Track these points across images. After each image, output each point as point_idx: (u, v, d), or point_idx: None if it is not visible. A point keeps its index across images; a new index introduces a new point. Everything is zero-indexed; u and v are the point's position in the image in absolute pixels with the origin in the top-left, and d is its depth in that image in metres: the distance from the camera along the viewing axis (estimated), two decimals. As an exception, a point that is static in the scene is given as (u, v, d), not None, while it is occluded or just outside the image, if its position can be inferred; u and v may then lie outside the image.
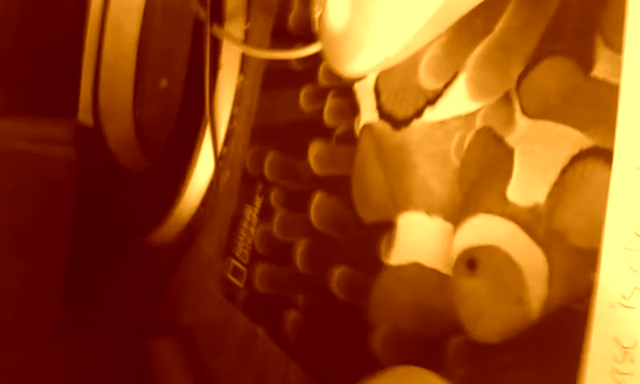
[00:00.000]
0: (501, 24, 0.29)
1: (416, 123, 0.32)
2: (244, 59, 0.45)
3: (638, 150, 0.23)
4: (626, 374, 0.23)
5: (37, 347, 0.49)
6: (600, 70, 0.25)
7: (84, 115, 0.61)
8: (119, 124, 0.60)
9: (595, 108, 0.25)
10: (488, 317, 0.29)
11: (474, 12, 0.30)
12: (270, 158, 0.42)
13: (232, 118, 0.47)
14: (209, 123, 0.46)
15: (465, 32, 0.30)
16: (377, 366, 0.34)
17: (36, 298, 0.57)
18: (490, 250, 0.28)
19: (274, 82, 0.43)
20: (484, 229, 0.29)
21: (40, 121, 0.61)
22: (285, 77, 0.42)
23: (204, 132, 0.47)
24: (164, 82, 0.56)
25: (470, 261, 0.29)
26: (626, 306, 0.23)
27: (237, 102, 0.47)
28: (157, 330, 0.52)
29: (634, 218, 0.23)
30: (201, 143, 0.48)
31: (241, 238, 0.44)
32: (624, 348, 0.23)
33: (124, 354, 0.53)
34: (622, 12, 0.24)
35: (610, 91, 0.25)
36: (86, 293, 0.61)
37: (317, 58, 0.38)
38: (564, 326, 0.26)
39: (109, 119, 0.61)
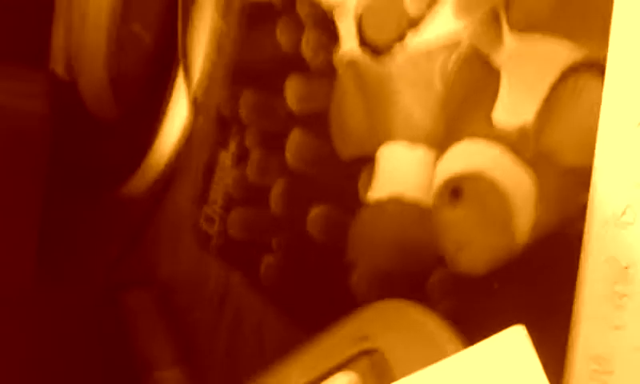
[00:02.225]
0: None
1: (398, 48, 0.31)
2: (220, -3, 0.43)
3: (633, 56, 0.22)
4: (624, 295, 0.21)
5: (11, 302, 0.48)
6: (593, -25, 0.24)
7: (56, 64, 0.59)
8: (93, 73, 0.57)
9: (587, 15, 0.24)
10: (473, 247, 0.27)
11: None
12: (245, 97, 0.40)
13: (208, 60, 0.45)
14: (182, 66, 0.44)
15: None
16: (357, 307, 0.32)
17: (9, 255, 0.55)
18: (475, 177, 0.27)
19: (252, 19, 0.41)
20: (468, 154, 0.27)
21: (8, 71, 0.59)
22: (262, 12, 0.40)
23: (178, 76, 0.45)
24: (139, 28, 0.54)
25: (454, 190, 0.28)
26: (619, 225, 0.22)
27: (214, 46, 0.44)
28: (132, 284, 0.51)
29: (627, 131, 0.22)
30: (174, 88, 0.46)
31: (215, 184, 0.42)
32: (621, 268, 0.21)
33: (99, 308, 0.51)
34: None
35: (604, -3, 0.23)
36: (60, 248, 0.59)
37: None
38: (553, 252, 0.24)
39: (82, 68, 0.58)
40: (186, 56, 0.44)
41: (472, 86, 0.28)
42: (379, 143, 0.32)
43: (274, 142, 0.38)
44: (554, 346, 0.23)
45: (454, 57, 0.28)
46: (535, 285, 0.25)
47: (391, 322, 0.27)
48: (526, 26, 0.26)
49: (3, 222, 0.54)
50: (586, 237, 0.22)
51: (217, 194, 0.42)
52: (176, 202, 0.47)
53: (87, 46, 0.58)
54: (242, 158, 0.40)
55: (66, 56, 0.58)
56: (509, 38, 0.26)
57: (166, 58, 0.47)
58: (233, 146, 0.41)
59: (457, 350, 0.25)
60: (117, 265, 0.52)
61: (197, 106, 0.45)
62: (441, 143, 0.29)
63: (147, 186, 0.50)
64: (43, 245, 0.56)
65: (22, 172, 0.56)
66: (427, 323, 0.26)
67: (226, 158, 0.42)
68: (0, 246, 0.54)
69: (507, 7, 0.26)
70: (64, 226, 0.58)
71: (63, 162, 0.58)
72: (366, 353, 0.27)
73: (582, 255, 0.22)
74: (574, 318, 0.22)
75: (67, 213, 0.59)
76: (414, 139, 0.30)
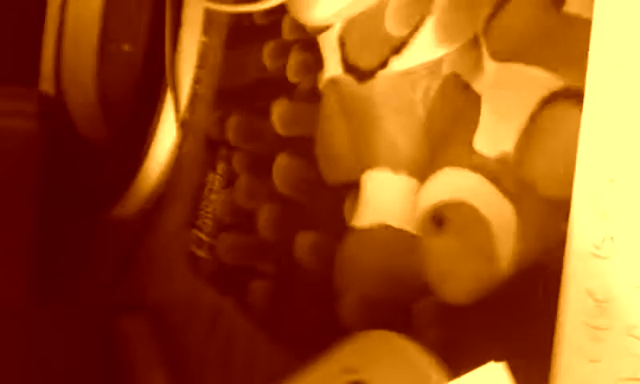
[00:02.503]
0: (468, -37, 0.27)
1: (381, 74, 0.31)
2: (207, 17, 0.43)
3: (611, 87, 0.22)
4: (601, 328, 0.21)
5: (2, 325, 0.47)
6: (572, 5, 0.24)
7: (45, 84, 0.59)
8: (82, 93, 0.57)
9: (566, 46, 0.23)
10: (456, 276, 0.27)
11: (440, -49, 0.28)
12: (232, 120, 0.40)
13: (195, 81, 0.45)
14: (170, 87, 0.44)
15: (430, -26, 0.28)
16: (345, 333, 0.32)
17: (0, 278, 0.55)
18: (457, 206, 0.27)
19: (238, 40, 0.41)
20: (450, 183, 0.27)
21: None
22: (248, 33, 0.40)
23: (166, 97, 0.45)
24: (127, 47, 0.54)
25: (437, 218, 0.27)
26: (598, 257, 0.21)
27: (200, 65, 0.44)
28: (124, 308, 0.50)
29: (606, 162, 0.22)
30: (163, 109, 0.46)
31: (204, 207, 0.42)
32: (597, 301, 0.21)
33: (92, 331, 0.51)
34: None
35: (582, 27, 0.23)
36: (52, 271, 0.59)
37: (281, 10, 0.36)
38: (536, 282, 0.24)
39: (72, 88, 0.58)
40: (172, 77, 0.44)
41: (454, 113, 0.27)
42: (364, 168, 0.31)
43: (261, 166, 0.38)
44: (537, 376, 0.23)
45: (435, 83, 0.28)
46: (517, 315, 0.25)
47: (375, 354, 0.27)
48: (506, 55, 0.26)
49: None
50: (564, 268, 0.22)
51: (206, 218, 0.42)
52: (168, 224, 0.47)
53: (76, 65, 0.57)
54: (230, 181, 0.40)
55: (55, 76, 0.58)
56: (489, 65, 0.26)
57: (154, 79, 0.47)
58: (221, 169, 0.41)
59: (439, 381, 0.25)
60: (110, 288, 0.52)
61: (185, 128, 0.45)
62: (424, 170, 0.29)
63: (137, 207, 0.49)
64: (34, 267, 0.56)
65: (13, 192, 0.56)
66: (409, 354, 0.26)
67: (215, 180, 0.41)
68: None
69: (487, 36, 0.26)
70: (55, 248, 0.58)
71: (54, 183, 0.57)
72: (351, 384, 0.27)
73: (561, 287, 0.22)
74: (554, 350, 0.22)
75: (58, 234, 0.59)
76: (397, 166, 0.30)
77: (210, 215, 0.41)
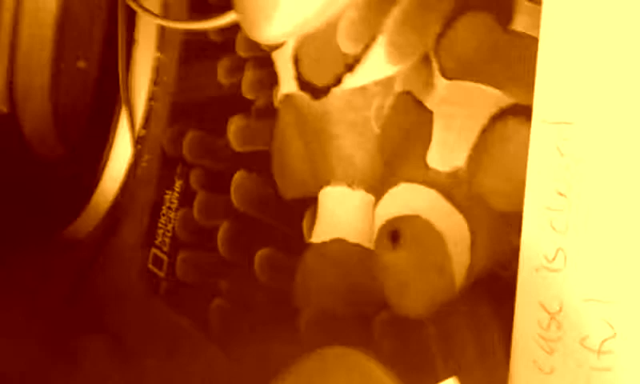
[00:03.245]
0: (418, -18, 0.28)
1: (336, 91, 0.31)
2: (161, 34, 0.43)
3: (557, 104, 0.22)
4: (552, 340, 0.21)
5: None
6: (519, 23, 0.24)
7: (-3, 102, 0.57)
8: (36, 110, 0.56)
9: (514, 63, 0.24)
10: (412, 290, 0.27)
11: (391, -30, 0.29)
12: (188, 137, 0.40)
13: (151, 98, 0.44)
14: (124, 104, 0.43)
15: (382, -8, 0.29)
16: (304, 350, 0.32)
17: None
18: (412, 220, 0.27)
19: (193, 57, 0.41)
20: (405, 198, 0.27)
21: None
22: (203, 50, 0.39)
23: (120, 114, 0.45)
24: (82, 64, 0.53)
25: (392, 233, 0.28)
26: (550, 269, 0.22)
27: (155, 81, 0.44)
28: (81, 329, 0.49)
29: (555, 176, 0.22)
30: (118, 126, 0.45)
31: (161, 224, 0.42)
32: (550, 313, 0.21)
33: (48, 355, 0.50)
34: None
35: (530, 45, 0.24)
36: (4, 294, 0.57)
37: (235, 27, 0.36)
38: (490, 294, 0.25)
39: (25, 105, 0.57)
40: (127, 93, 0.44)
41: (407, 129, 0.28)
42: (320, 184, 0.32)
43: (218, 183, 0.38)
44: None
45: (388, 100, 0.29)
46: (472, 327, 0.25)
47: (331, 371, 0.27)
48: (456, 72, 0.26)
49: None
50: (518, 281, 0.23)
51: (164, 236, 0.41)
52: (123, 243, 0.46)
53: (29, 82, 0.57)
54: (187, 198, 0.40)
55: (8, 93, 0.57)
56: (440, 83, 0.27)
57: (110, 95, 0.47)
58: (178, 186, 0.41)
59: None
60: (65, 310, 0.51)
61: (141, 145, 0.45)
62: (379, 186, 0.29)
63: (92, 227, 0.49)
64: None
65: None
66: (366, 370, 0.26)
67: (172, 197, 0.41)
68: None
69: (438, 54, 0.27)
70: (7, 271, 0.56)
71: (6, 203, 0.56)
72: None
73: (515, 299, 0.23)
74: (509, 362, 0.23)
75: (11, 257, 0.57)
76: (353, 181, 0.30)
77: (168, 233, 0.41)
